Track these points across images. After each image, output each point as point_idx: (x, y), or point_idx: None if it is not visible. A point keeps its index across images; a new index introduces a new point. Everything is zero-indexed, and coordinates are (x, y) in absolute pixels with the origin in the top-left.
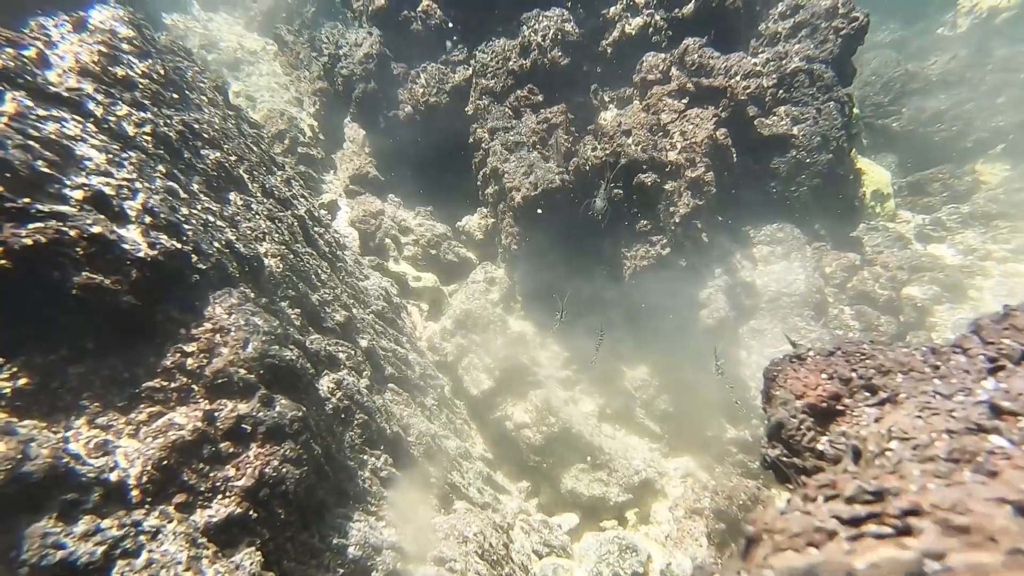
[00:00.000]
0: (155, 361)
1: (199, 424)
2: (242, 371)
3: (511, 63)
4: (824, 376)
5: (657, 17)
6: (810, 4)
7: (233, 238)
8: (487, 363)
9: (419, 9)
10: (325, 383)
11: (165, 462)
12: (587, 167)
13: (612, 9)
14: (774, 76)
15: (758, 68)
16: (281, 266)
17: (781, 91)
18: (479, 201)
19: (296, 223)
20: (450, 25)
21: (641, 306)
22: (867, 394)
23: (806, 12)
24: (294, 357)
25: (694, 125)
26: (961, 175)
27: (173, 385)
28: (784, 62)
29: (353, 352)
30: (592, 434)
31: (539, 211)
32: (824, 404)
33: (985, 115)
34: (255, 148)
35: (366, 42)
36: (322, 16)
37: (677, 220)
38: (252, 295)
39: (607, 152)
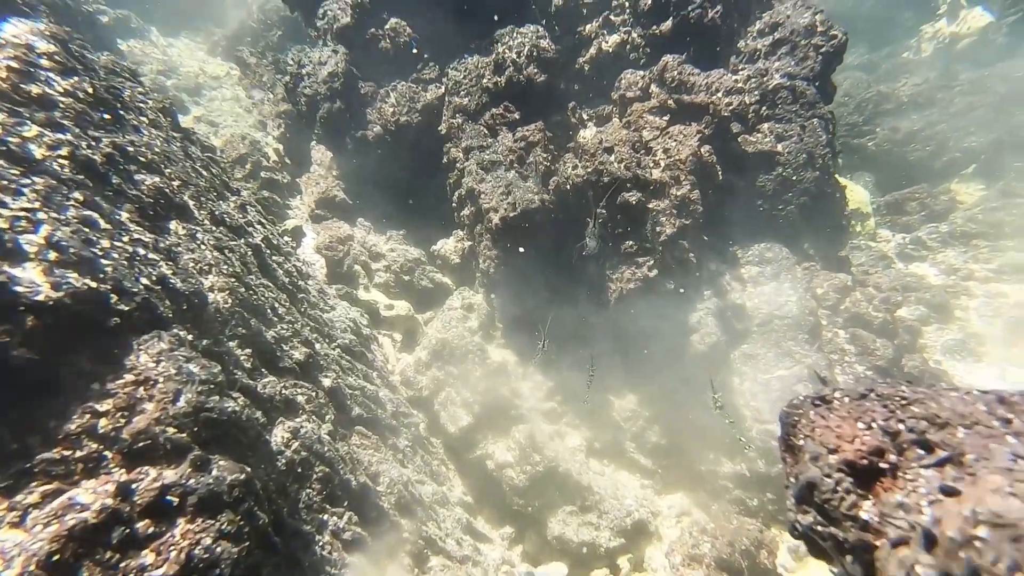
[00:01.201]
0: (56, 426)
1: (109, 501)
2: (171, 430)
3: (485, 80)
4: (861, 426)
5: (634, 34)
6: (788, 22)
7: (168, 272)
8: (465, 397)
9: (387, 27)
10: (279, 433)
11: (57, 556)
12: (568, 186)
13: (588, 26)
14: (756, 93)
15: (740, 85)
16: (230, 301)
17: (764, 108)
18: (455, 223)
19: (250, 252)
20: (419, 44)
21: (628, 331)
22: (920, 452)
23: (784, 29)
24: (238, 408)
25: (677, 142)
26: (937, 194)
27: (79, 454)
28: (765, 79)
29: (314, 394)
30: (580, 472)
31: (519, 233)
32: (865, 461)
33: (957, 135)
34: (205, 172)
35: (331, 60)
36: (289, 40)
37: (663, 240)
38: (190, 337)
39: (589, 170)
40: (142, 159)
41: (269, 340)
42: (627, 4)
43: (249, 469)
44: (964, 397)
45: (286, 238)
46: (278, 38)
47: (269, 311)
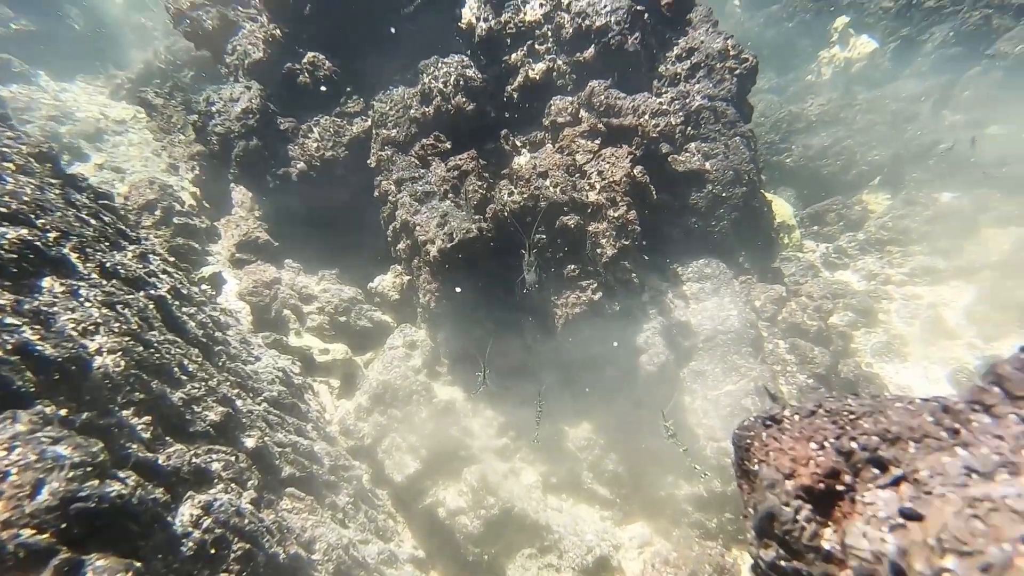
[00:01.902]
0: None
1: None
2: (27, 532)
3: (413, 111)
4: (814, 446)
5: (559, 62)
6: (703, 47)
7: (33, 338)
8: (412, 442)
9: (304, 61)
10: (186, 511)
11: None
12: (506, 213)
13: (513, 55)
14: (681, 114)
15: (664, 107)
16: (123, 363)
17: (689, 128)
18: (391, 258)
19: (153, 306)
20: (341, 77)
21: (577, 357)
22: (875, 471)
23: (700, 54)
24: (126, 491)
25: (611, 164)
26: (852, 205)
27: None
28: (688, 100)
29: (233, 458)
30: (537, 510)
31: (458, 264)
32: (822, 484)
33: (862, 150)
34: (94, 221)
35: (244, 97)
36: (204, 80)
37: (605, 262)
38: (63, 412)
39: (525, 196)
40: (3, 211)
41: (176, 403)
42: (549, 33)
43: (140, 564)
44: (909, 407)
45: (203, 286)
46: (190, 78)
47: (176, 370)
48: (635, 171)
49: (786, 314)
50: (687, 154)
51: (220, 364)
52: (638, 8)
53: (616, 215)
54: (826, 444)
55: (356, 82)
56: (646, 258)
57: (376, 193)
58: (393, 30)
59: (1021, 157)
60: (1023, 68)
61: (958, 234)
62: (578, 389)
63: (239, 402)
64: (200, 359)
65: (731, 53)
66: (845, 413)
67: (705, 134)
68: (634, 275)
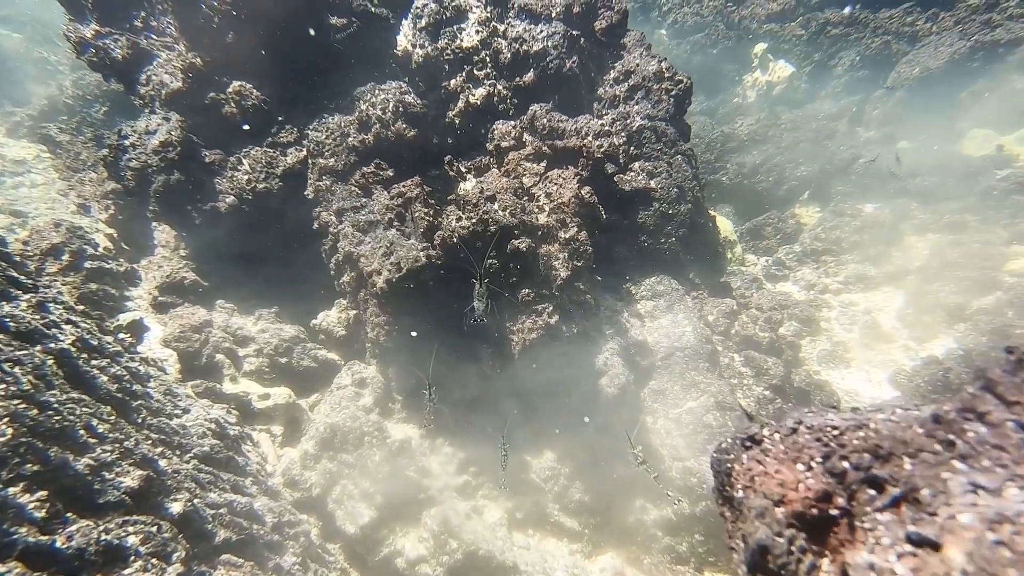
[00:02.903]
0: None
1: None
2: None
3: (351, 139)
4: (801, 467)
5: (499, 87)
6: (639, 69)
7: None
8: (365, 488)
9: (230, 91)
10: None
11: None
12: (454, 239)
13: (453, 81)
14: (623, 134)
15: (607, 128)
16: (10, 432)
17: (632, 148)
18: (336, 292)
19: (52, 361)
20: (271, 106)
21: (537, 383)
22: (872, 492)
23: (637, 76)
24: None
25: (558, 186)
26: (786, 218)
27: None
28: (629, 121)
29: (154, 529)
30: (504, 550)
31: (407, 294)
32: (815, 510)
33: (791, 166)
34: None
35: (162, 128)
36: (118, 115)
37: (559, 284)
38: None
39: (474, 220)
40: None
41: (81, 471)
42: (488, 59)
43: None
44: (893, 419)
45: (120, 335)
46: (104, 113)
47: (82, 432)
48: (583, 192)
49: (738, 327)
50: (632, 173)
51: (139, 421)
52: (573, 33)
53: (567, 236)
54: (814, 465)
55: (288, 112)
56: (599, 278)
57: (316, 225)
58: (325, 58)
59: (931, 169)
60: (922, 88)
61: (884, 242)
62: (539, 417)
63: (163, 462)
64: (113, 417)
65: (666, 75)
66: (828, 429)
67: (648, 153)
68: (589, 296)
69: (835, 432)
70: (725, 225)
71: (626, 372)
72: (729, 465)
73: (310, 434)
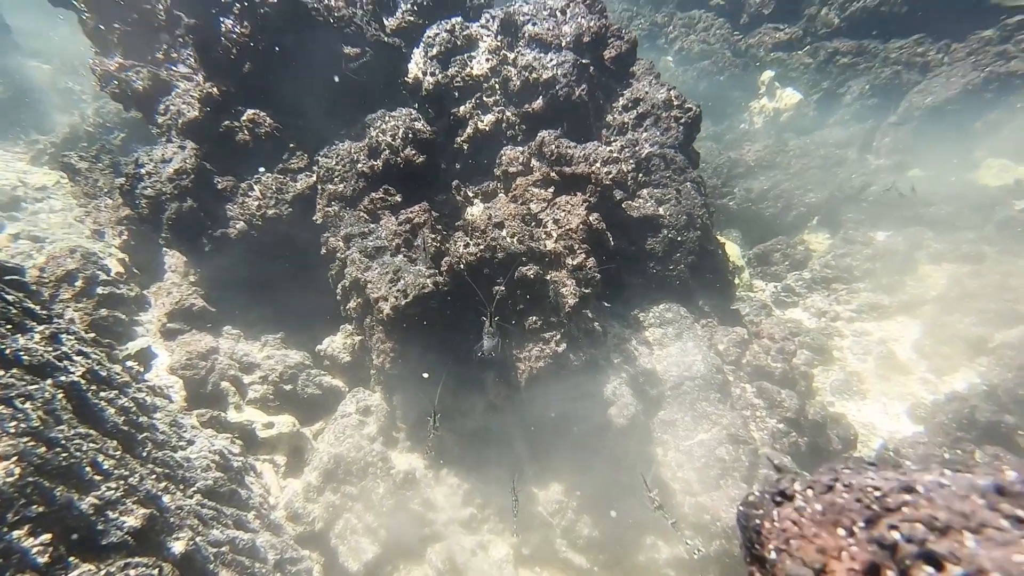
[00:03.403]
0: None
1: None
2: None
3: (360, 165)
4: (843, 532)
5: (508, 113)
6: (647, 97)
7: None
8: (368, 522)
9: (244, 119)
10: None
11: None
12: (461, 265)
13: (462, 108)
14: (632, 161)
15: (615, 155)
16: (17, 472)
17: (641, 175)
18: (342, 318)
19: (62, 395)
20: (283, 133)
21: (544, 413)
22: (929, 569)
23: (646, 104)
24: None
25: (566, 212)
26: (795, 245)
27: None
28: (637, 148)
29: (156, 572)
30: None
31: (414, 321)
32: None
33: (799, 193)
34: None
35: (177, 157)
36: (137, 141)
37: (567, 311)
38: None
39: (481, 247)
40: None
41: (86, 511)
42: (497, 86)
43: None
44: (945, 483)
45: (129, 364)
46: (122, 140)
47: (88, 469)
48: (591, 218)
49: (750, 357)
50: (640, 200)
51: (144, 455)
52: (583, 61)
53: (575, 263)
54: (856, 530)
55: (300, 138)
56: (607, 305)
57: (323, 250)
58: (338, 85)
59: (945, 198)
60: (934, 118)
61: (898, 271)
62: (546, 448)
63: (166, 498)
64: (119, 452)
65: (675, 103)
66: (870, 489)
67: (656, 180)
68: (597, 324)
69: (877, 493)
70: (733, 250)
71: (635, 402)
72: (758, 522)
73: (313, 464)
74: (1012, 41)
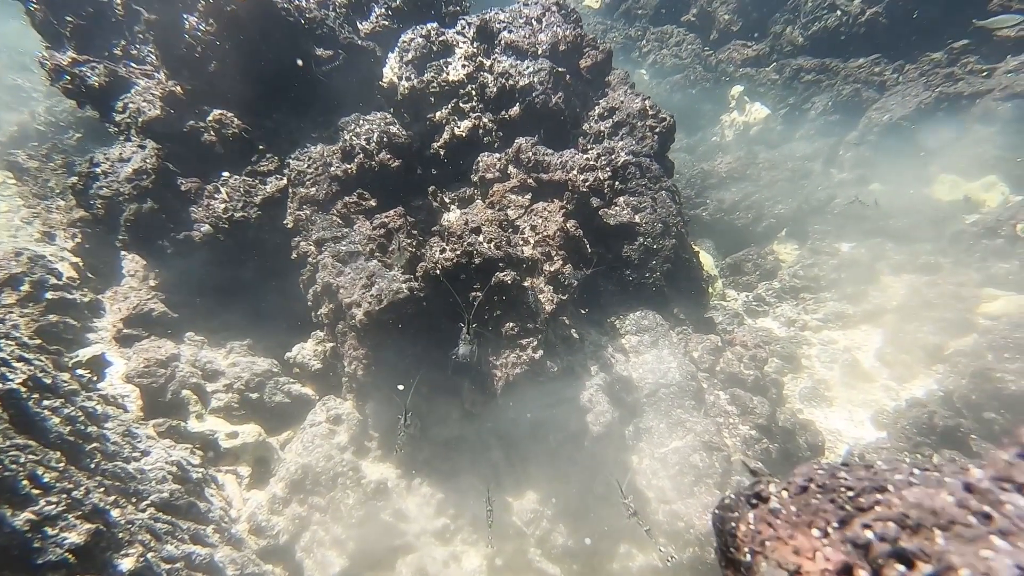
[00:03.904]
0: None
1: None
2: None
3: (334, 168)
4: (816, 533)
5: (485, 119)
6: (623, 106)
7: None
8: (337, 534)
9: (210, 119)
10: None
11: None
12: (437, 271)
13: (438, 113)
14: (608, 169)
15: (592, 162)
16: None
17: (617, 182)
18: (312, 324)
19: None
20: (252, 135)
21: (519, 421)
22: (900, 567)
23: (621, 113)
24: None
25: (543, 219)
26: (765, 255)
27: None
28: (613, 156)
29: None
30: None
31: (388, 327)
32: None
33: (769, 204)
34: None
35: (136, 156)
36: (92, 142)
37: (544, 318)
38: None
39: (458, 252)
40: None
41: (20, 527)
42: (474, 92)
43: None
44: (914, 481)
45: (79, 372)
46: (77, 140)
47: (26, 483)
48: (568, 225)
49: (723, 364)
50: (617, 208)
51: (92, 466)
52: (559, 70)
53: (552, 269)
54: (830, 531)
55: (269, 141)
56: (584, 312)
57: (294, 255)
58: (309, 88)
59: (903, 211)
60: (892, 133)
61: (861, 281)
62: (521, 454)
63: (115, 512)
64: (62, 464)
65: (650, 112)
66: (843, 490)
67: (632, 188)
68: (574, 330)
69: (850, 493)
70: (706, 260)
71: (611, 409)
72: (734, 525)
73: (280, 475)
74: (958, 64)
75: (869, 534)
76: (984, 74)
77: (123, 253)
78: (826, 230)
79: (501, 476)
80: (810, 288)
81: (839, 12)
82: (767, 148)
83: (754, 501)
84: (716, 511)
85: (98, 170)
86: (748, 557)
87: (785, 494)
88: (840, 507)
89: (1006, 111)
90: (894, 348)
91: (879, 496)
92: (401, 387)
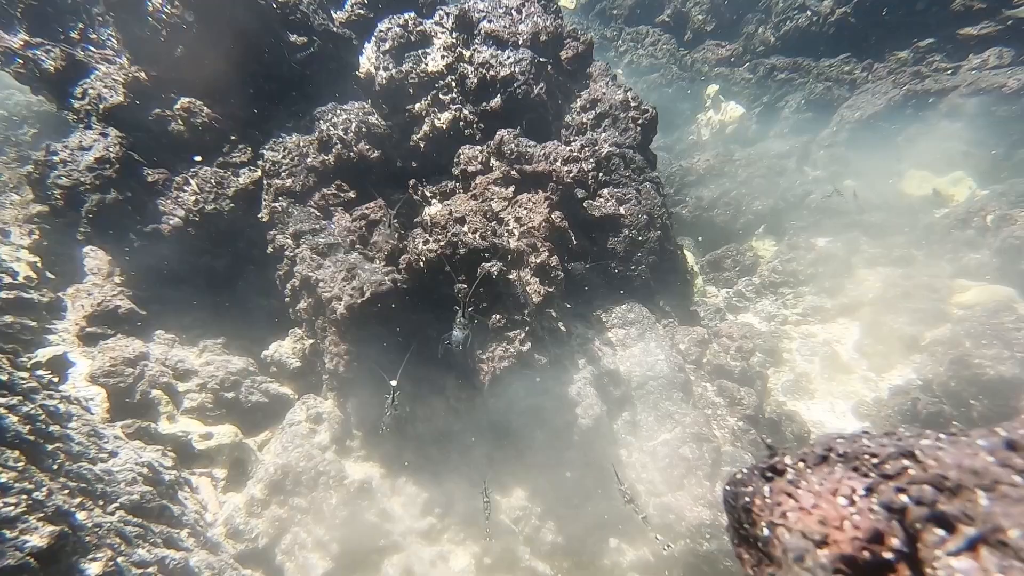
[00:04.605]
0: None
1: None
2: None
3: (311, 160)
4: (843, 502)
5: (466, 111)
6: (605, 98)
7: None
8: (319, 536)
9: (177, 107)
10: None
11: None
12: (422, 262)
13: (418, 105)
14: (592, 161)
15: (576, 154)
16: None
17: (601, 174)
18: (291, 321)
19: None
20: (223, 124)
21: (507, 415)
22: (940, 532)
23: (604, 104)
24: None
25: (528, 210)
26: (744, 251)
27: None
28: (597, 148)
29: None
30: None
31: (370, 321)
32: (867, 553)
33: (747, 201)
34: None
35: (98, 144)
36: (49, 137)
37: (531, 310)
38: None
39: (442, 243)
40: None
41: None
42: (454, 84)
43: None
44: (960, 446)
45: (38, 372)
46: (33, 136)
47: None
48: (553, 216)
49: (710, 356)
50: (601, 199)
51: (55, 467)
52: (541, 60)
53: (538, 261)
54: (856, 498)
55: (242, 131)
56: (568, 306)
57: (270, 249)
58: (283, 77)
59: (876, 206)
60: (864, 130)
61: (838, 275)
62: (509, 450)
63: (81, 515)
64: (22, 464)
65: (632, 104)
66: (866, 457)
67: (617, 180)
68: (560, 323)
69: (874, 460)
70: (688, 257)
71: (599, 403)
72: (748, 500)
73: (258, 476)
74: (924, 63)
75: (904, 498)
76: (949, 72)
77: (85, 249)
78: (803, 226)
79: (488, 473)
80: (789, 283)
81: (809, 12)
82: (743, 146)
83: (769, 474)
84: (728, 487)
85: (56, 159)
86: (766, 531)
87: (803, 465)
88: (865, 474)
89: (971, 107)
90: (872, 340)
91: (905, 462)
92: (394, 382)
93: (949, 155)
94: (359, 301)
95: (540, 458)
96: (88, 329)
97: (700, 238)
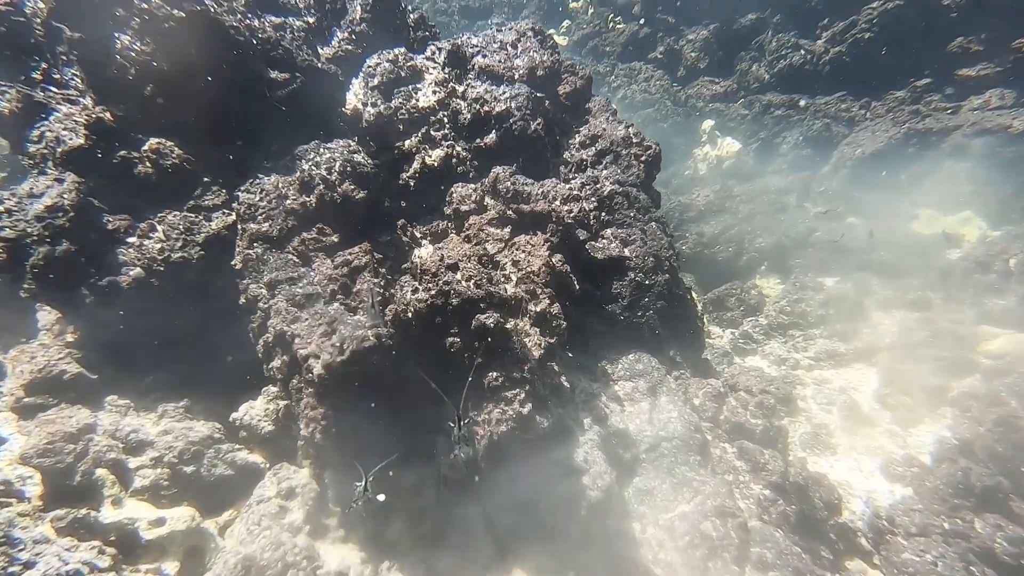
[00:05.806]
0: None
1: None
2: None
3: (290, 202)
4: None
5: (458, 148)
6: (606, 134)
7: None
8: None
9: (145, 148)
10: None
11: None
12: (410, 314)
13: (408, 142)
14: (593, 199)
15: (576, 192)
16: None
17: (604, 213)
18: (264, 379)
19: None
20: (195, 165)
21: (504, 486)
22: None
23: (604, 141)
24: None
25: (526, 253)
26: (748, 290)
27: None
28: (599, 186)
29: None
30: None
31: (352, 382)
32: None
33: (749, 237)
34: None
35: (51, 191)
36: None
37: (531, 366)
38: None
39: (433, 293)
40: None
41: None
42: (446, 120)
43: None
44: None
45: None
46: (1, 180)
47: None
48: (554, 260)
49: (728, 413)
50: (604, 240)
51: None
52: (537, 95)
53: (538, 309)
54: None
55: (216, 172)
56: (571, 356)
57: (243, 300)
58: (262, 115)
59: (884, 245)
60: (865, 167)
61: (850, 317)
62: (508, 525)
63: None
64: None
65: (634, 140)
66: None
67: (620, 220)
68: (564, 378)
69: None
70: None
71: (609, 470)
72: None
73: (215, 572)
74: (922, 102)
75: None
76: (949, 111)
77: (39, 306)
78: (807, 264)
79: (484, 552)
80: (798, 324)
81: (803, 51)
82: (740, 182)
83: None
84: None
85: (0, 208)
86: None
87: None
88: None
89: (977, 147)
90: (893, 389)
91: None
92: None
93: (955, 195)
94: (339, 360)
95: (544, 536)
96: (26, 400)
97: (700, 276)
